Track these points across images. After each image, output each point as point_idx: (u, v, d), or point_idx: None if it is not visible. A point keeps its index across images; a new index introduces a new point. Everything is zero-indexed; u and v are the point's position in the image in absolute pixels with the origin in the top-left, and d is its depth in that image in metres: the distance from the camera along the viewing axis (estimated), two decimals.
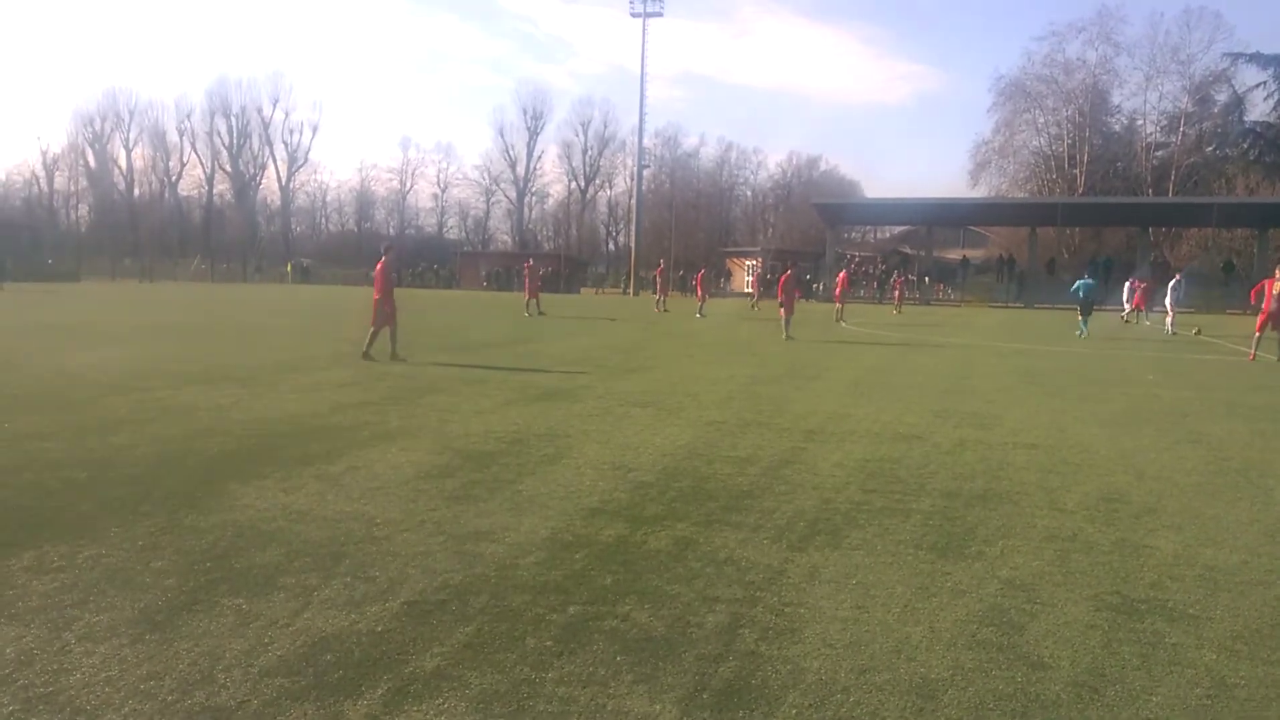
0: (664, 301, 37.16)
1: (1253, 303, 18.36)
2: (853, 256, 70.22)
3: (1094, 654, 3.67)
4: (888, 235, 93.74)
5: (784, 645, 3.69)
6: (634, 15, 66.86)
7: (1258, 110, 75.64)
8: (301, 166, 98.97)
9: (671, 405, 10.05)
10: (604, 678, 3.37)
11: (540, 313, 29.25)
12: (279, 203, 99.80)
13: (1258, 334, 18.26)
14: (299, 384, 11.07)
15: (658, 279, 38.94)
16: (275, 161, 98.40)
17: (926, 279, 61.69)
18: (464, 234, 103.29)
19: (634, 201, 74.41)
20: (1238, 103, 75.64)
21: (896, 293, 43.14)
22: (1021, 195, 78.29)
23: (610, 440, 7.90)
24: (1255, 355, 18.21)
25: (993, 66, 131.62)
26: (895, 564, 4.73)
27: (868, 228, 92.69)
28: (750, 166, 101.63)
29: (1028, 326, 32.22)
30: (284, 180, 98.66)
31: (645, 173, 74.66)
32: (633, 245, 70.54)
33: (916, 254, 71.88)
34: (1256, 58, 73.38)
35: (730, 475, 6.68)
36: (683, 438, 8.11)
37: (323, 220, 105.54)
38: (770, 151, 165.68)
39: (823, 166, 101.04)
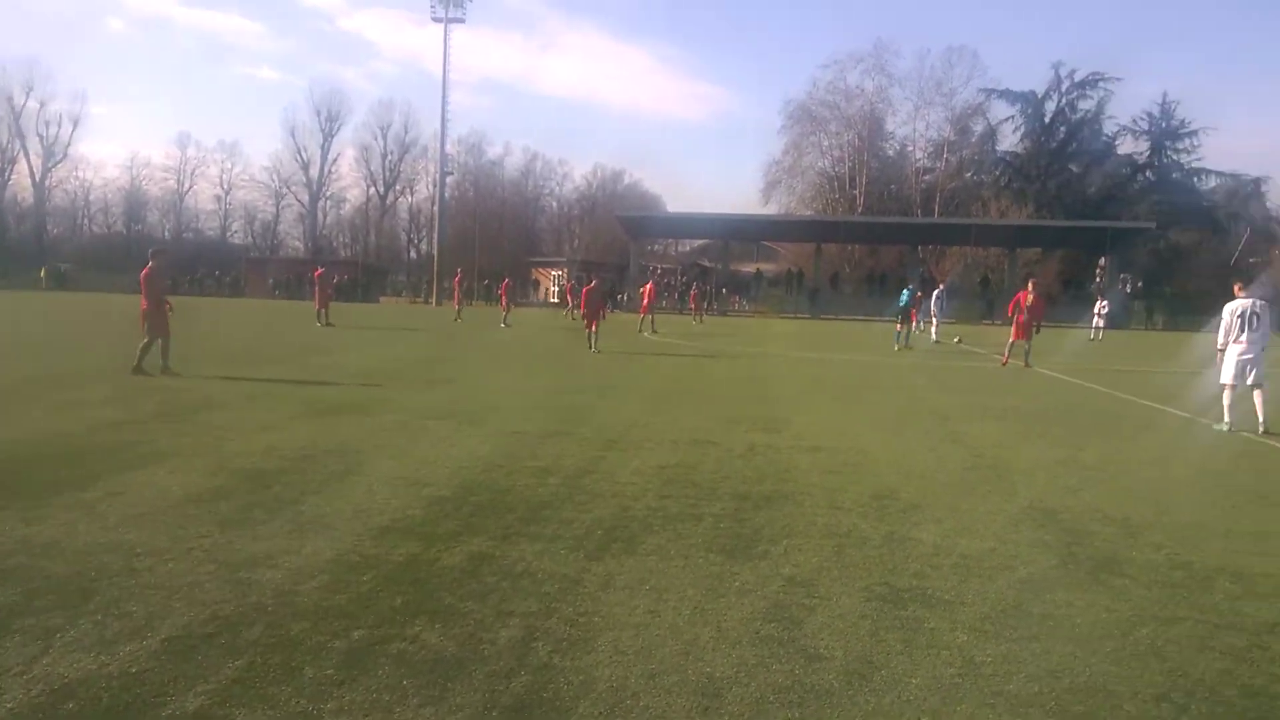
0: (461, 312, 36.66)
1: (1009, 314, 20.35)
2: (654, 268, 72.04)
3: (864, 643, 3.91)
4: (688, 248, 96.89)
5: (577, 656, 3.69)
6: (435, 20, 65.70)
7: (1008, 141, 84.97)
8: (60, 162, 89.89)
9: (472, 417, 9.88)
10: (388, 703, 3.24)
11: (328, 324, 27.90)
12: (32, 201, 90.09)
13: (1012, 341, 20.24)
14: (50, 402, 10.00)
15: (455, 288, 38.36)
16: (28, 156, 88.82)
17: (724, 291, 64.31)
18: (250, 239, 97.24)
19: (436, 209, 72.89)
20: (991, 134, 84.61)
21: (693, 304, 44.66)
22: (808, 213, 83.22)
23: (405, 455, 7.65)
24: (1008, 361, 20.17)
25: (783, 90, 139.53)
26: (687, 567, 4.86)
27: (669, 240, 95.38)
28: (556, 177, 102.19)
29: (816, 336, 34.19)
30: (38, 177, 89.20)
31: (448, 179, 73.37)
32: (435, 254, 69.02)
33: (715, 267, 74.67)
34: (1006, 94, 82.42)
35: (530, 486, 6.63)
36: (482, 450, 7.99)
37: (85, 222, 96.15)
38: (576, 163, 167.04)
39: (626, 180, 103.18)
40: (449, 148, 71.02)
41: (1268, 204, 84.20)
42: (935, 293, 31.86)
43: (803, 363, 20.17)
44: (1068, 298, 61.52)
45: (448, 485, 6.60)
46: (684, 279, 68.71)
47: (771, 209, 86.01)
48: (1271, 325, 11.02)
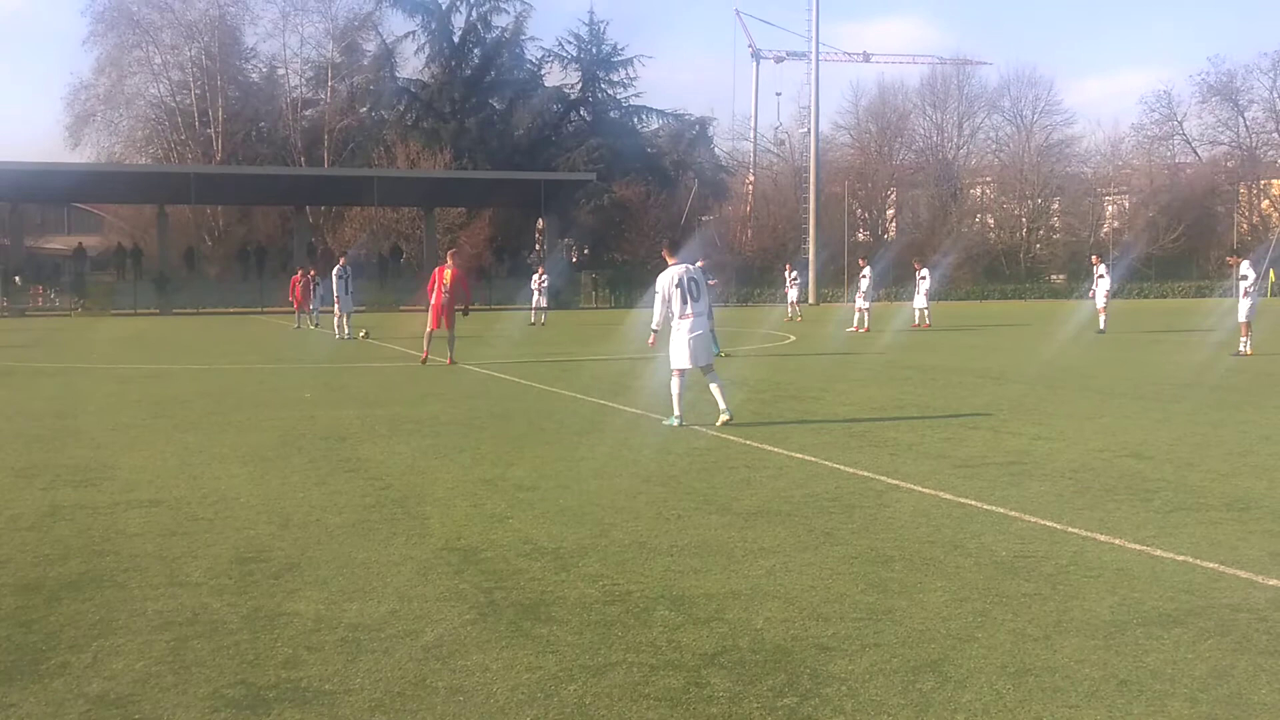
0: None
1: (429, 296, 21.47)
2: None
3: None
4: None
5: None
6: None
7: (410, 66, 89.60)
8: None
9: None
10: None
11: None
12: None
13: (431, 330, 21.40)
14: None
15: None
16: None
17: (18, 279, 60.81)
18: None
19: None
20: (388, 55, 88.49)
21: None
22: (143, 162, 79.93)
23: None
24: (428, 357, 21.36)
25: None
26: None
27: None
28: None
29: (166, 340, 33.10)
30: None
31: None
32: None
33: (1, 243, 69.04)
34: (401, 2, 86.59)
35: None
36: None
37: None
38: None
39: None
40: None
41: (715, 149, 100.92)
42: (336, 270, 32.55)
43: (140, 379, 19.60)
44: (504, 271, 67.56)
45: None
46: None
47: (86, 155, 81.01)
48: (711, 294, 13.03)
